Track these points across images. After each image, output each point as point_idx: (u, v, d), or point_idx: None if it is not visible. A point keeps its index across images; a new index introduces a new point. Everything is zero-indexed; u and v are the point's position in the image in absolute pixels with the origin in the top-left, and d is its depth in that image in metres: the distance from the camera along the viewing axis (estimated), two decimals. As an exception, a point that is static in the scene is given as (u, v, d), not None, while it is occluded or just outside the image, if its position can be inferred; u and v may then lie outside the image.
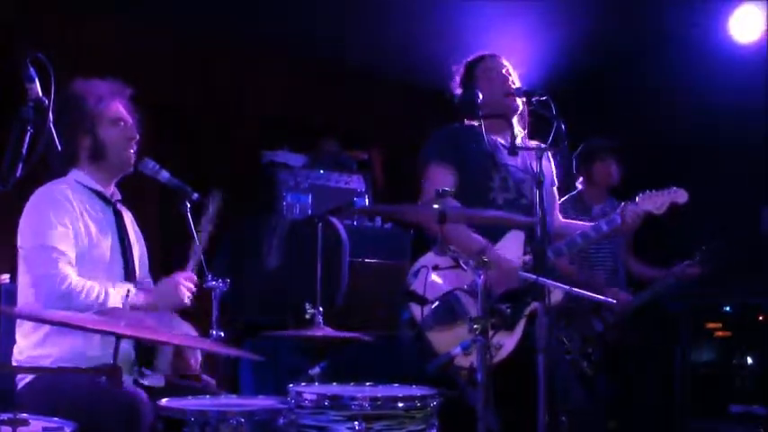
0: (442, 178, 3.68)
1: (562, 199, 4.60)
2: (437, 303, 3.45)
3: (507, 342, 3.49)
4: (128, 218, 3.42)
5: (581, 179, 5.19)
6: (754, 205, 5.81)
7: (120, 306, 3.05)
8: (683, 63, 5.77)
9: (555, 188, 4.01)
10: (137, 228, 3.48)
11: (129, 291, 3.14)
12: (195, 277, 3.26)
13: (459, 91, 3.93)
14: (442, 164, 3.73)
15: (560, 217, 4.08)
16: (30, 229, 3.11)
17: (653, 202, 3.69)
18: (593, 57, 5.78)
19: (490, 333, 2.85)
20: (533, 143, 3.75)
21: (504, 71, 3.85)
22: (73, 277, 3.04)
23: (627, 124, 5.86)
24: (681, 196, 3.69)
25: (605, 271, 5.00)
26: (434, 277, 3.45)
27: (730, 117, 5.72)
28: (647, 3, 5.37)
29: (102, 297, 3.04)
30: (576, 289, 3.09)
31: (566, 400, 3.31)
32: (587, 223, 3.87)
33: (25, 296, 3.13)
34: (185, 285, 3.22)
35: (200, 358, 3.36)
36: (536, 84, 4.20)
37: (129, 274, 3.27)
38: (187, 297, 3.23)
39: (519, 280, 3.34)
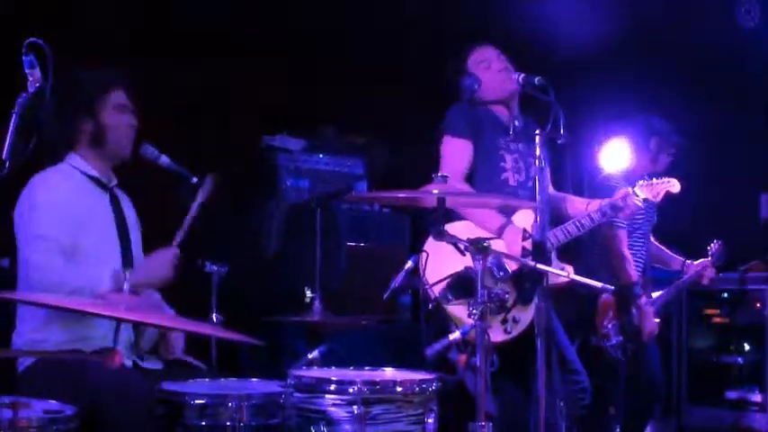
0: (460, 152, 3.65)
1: (606, 173, 4.58)
2: (452, 278, 3.42)
3: (524, 316, 3.52)
4: (125, 202, 3.41)
5: (634, 156, 4.69)
6: (753, 192, 5.82)
7: (112, 289, 3.02)
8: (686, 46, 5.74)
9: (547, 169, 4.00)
10: (134, 212, 3.45)
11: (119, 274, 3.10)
12: (178, 251, 3.21)
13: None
14: (461, 137, 3.69)
15: (552, 189, 4.05)
16: (23, 218, 3.10)
17: (650, 190, 3.86)
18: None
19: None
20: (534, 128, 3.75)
21: (497, 58, 3.84)
22: (61, 267, 3.02)
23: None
24: (675, 186, 3.89)
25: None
26: (436, 261, 3.39)
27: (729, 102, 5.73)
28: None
29: (92, 283, 3.01)
30: (574, 276, 3.10)
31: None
32: (578, 198, 3.87)
33: (23, 281, 3.12)
34: (173, 259, 3.18)
35: (182, 344, 3.30)
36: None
37: (126, 260, 3.26)
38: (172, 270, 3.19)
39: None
